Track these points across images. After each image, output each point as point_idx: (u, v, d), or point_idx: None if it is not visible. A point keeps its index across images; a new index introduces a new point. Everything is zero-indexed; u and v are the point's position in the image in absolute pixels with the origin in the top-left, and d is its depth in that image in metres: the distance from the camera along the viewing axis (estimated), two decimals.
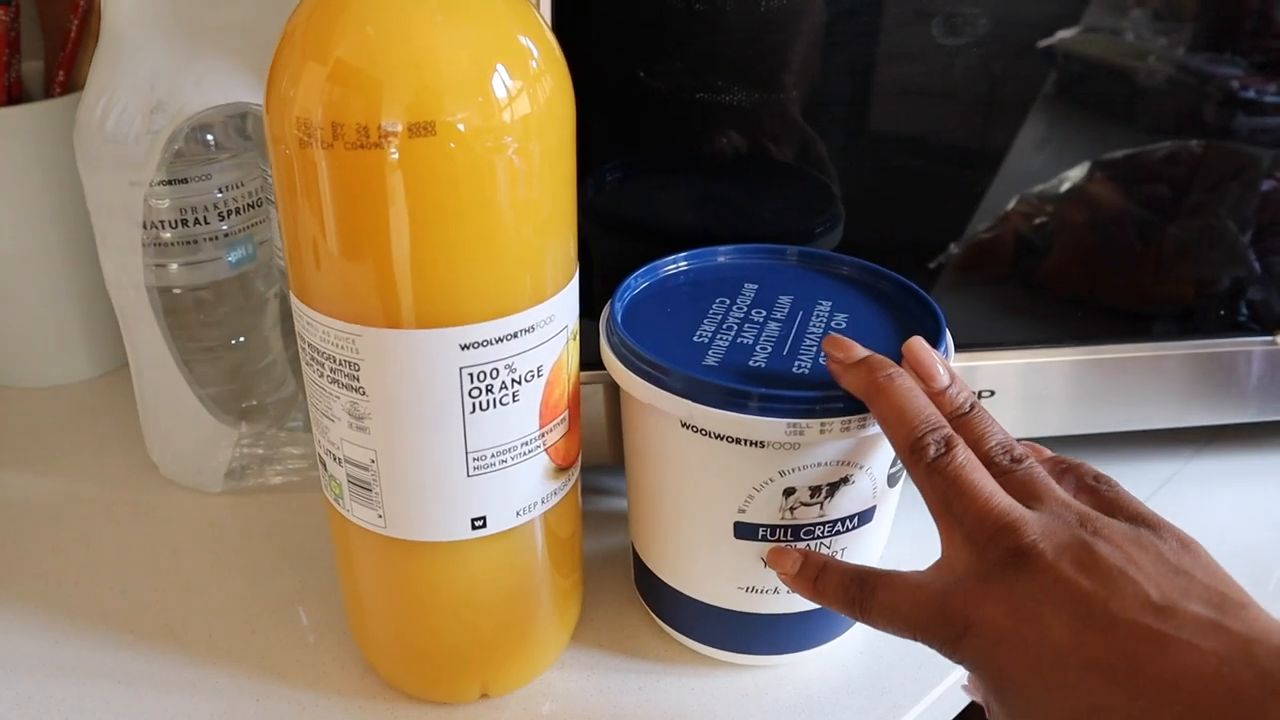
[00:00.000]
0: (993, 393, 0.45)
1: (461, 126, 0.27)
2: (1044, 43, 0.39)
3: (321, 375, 0.31)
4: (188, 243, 0.41)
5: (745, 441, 0.32)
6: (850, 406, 0.31)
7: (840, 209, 0.41)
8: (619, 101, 0.38)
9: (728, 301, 0.37)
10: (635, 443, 0.36)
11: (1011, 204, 0.43)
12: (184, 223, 0.40)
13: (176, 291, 0.42)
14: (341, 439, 0.32)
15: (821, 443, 0.32)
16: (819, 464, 0.32)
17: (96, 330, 0.54)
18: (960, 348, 0.44)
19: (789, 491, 0.33)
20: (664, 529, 0.36)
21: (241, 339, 0.44)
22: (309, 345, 0.31)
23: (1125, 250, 0.44)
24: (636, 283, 0.37)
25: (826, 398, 0.31)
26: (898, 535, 0.45)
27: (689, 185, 0.40)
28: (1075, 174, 0.43)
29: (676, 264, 0.38)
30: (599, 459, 0.43)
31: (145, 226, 0.40)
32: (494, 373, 0.30)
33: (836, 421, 0.31)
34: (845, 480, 0.33)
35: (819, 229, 0.42)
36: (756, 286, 0.38)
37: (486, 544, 0.33)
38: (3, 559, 0.43)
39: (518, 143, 0.29)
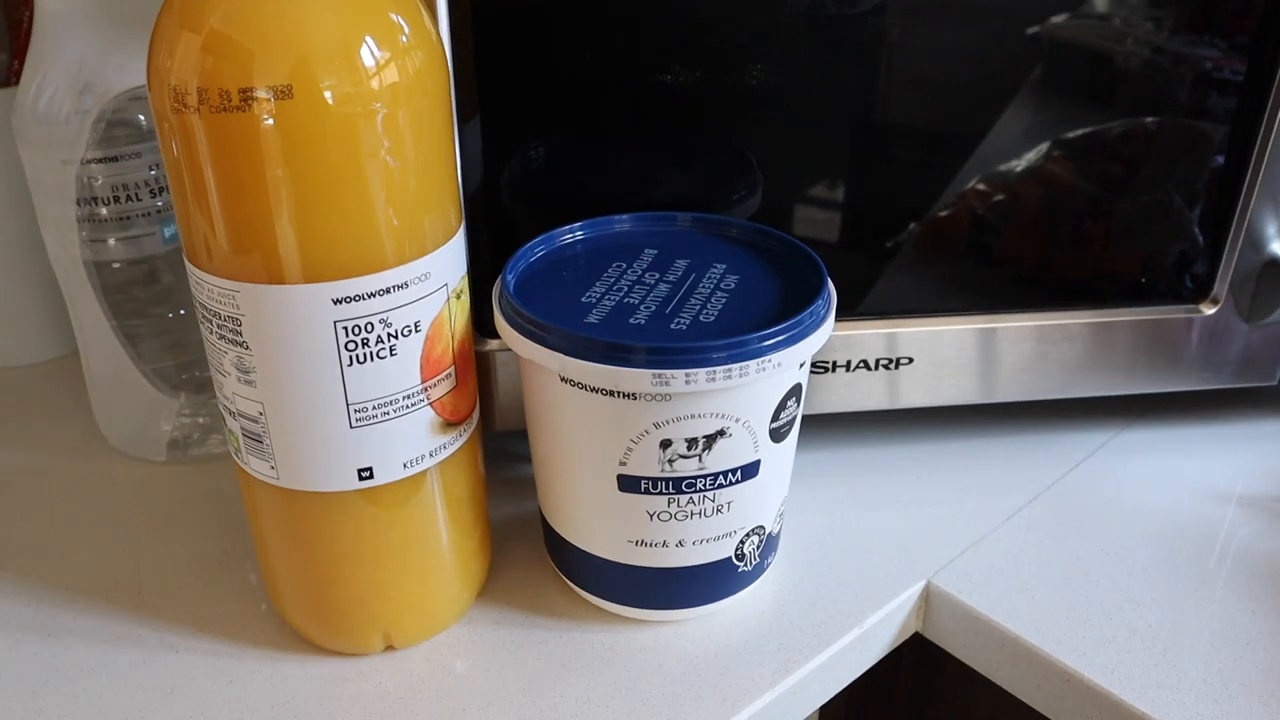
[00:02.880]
0: (911, 360, 0.45)
1: (329, 95, 0.29)
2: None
3: (211, 332, 0.33)
4: (123, 219, 0.43)
5: (618, 393, 0.33)
6: (716, 358, 0.32)
7: (758, 177, 0.42)
8: (538, 79, 0.39)
9: (624, 265, 0.38)
10: (530, 403, 0.37)
11: (970, 183, 0.43)
12: (118, 199, 0.42)
13: (116, 266, 0.44)
14: (233, 393, 0.34)
15: (690, 394, 0.33)
16: (691, 416, 0.33)
17: (60, 311, 0.56)
18: (905, 314, 0.45)
19: (665, 444, 0.34)
20: (557, 484, 0.37)
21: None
22: (200, 304, 0.33)
23: (1076, 226, 0.44)
24: (533, 250, 0.38)
25: (692, 349, 0.32)
26: (804, 501, 0.46)
27: (609, 158, 0.42)
28: (1033, 154, 0.44)
29: (573, 233, 0.40)
30: (519, 424, 0.44)
31: (81, 204, 0.42)
32: (369, 327, 0.32)
33: (701, 372, 0.32)
34: (722, 433, 0.34)
35: (736, 196, 0.43)
36: (656, 251, 0.39)
37: (376, 495, 0.35)
38: None
39: (386, 109, 0.30)
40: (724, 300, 0.36)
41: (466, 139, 0.40)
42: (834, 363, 0.45)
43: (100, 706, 0.36)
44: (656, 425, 0.34)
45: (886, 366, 0.45)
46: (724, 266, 0.38)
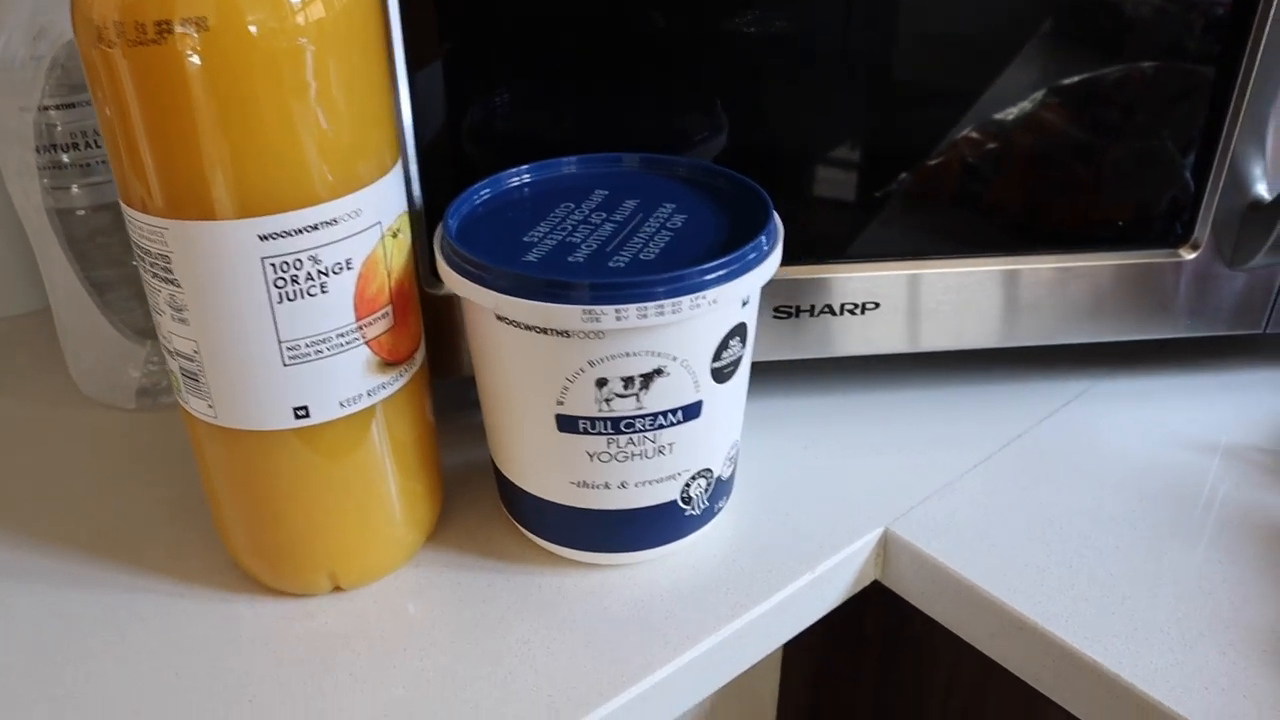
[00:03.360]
0: (878, 305, 0.44)
1: (251, 28, 0.29)
2: None
3: (146, 271, 0.33)
4: (84, 165, 0.43)
5: (551, 331, 0.33)
6: (648, 294, 0.32)
7: (721, 119, 0.41)
8: (499, 21, 0.39)
9: (573, 206, 0.38)
10: (473, 345, 0.37)
11: (962, 131, 0.42)
12: (77, 146, 0.43)
13: (80, 213, 0.44)
14: (170, 332, 0.34)
15: (623, 330, 0.32)
16: (626, 354, 0.33)
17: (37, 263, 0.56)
18: (886, 256, 0.44)
19: (601, 382, 0.34)
20: (501, 426, 0.37)
21: None
22: (134, 243, 0.33)
23: (1066, 173, 0.43)
24: (478, 193, 0.38)
25: (623, 284, 0.32)
26: (766, 447, 0.45)
27: (569, 102, 0.41)
28: (1028, 102, 0.43)
29: (520, 176, 0.39)
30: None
31: (41, 151, 0.42)
32: (297, 264, 0.32)
33: (632, 308, 0.32)
34: (659, 372, 0.34)
35: (699, 138, 0.42)
36: (607, 192, 0.39)
37: (314, 434, 0.35)
38: None
39: (312, 44, 0.30)
40: (668, 239, 0.35)
41: (426, 84, 0.39)
42: (797, 307, 0.44)
43: (54, 643, 0.37)
44: (591, 363, 0.33)
45: (853, 311, 0.44)
46: (673, 206, 0.38)
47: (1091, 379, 0.49)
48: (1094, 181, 0.44)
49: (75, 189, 0.44)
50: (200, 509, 0.43)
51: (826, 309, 0.44)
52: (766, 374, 0.49)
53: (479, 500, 0.43)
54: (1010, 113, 0.43)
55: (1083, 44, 0.42)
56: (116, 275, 0.46)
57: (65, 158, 0.43)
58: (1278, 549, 0.40)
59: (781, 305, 0.44)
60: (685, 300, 0.32)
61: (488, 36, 0.39)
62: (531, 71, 0.40)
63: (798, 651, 0.51)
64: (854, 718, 0.53)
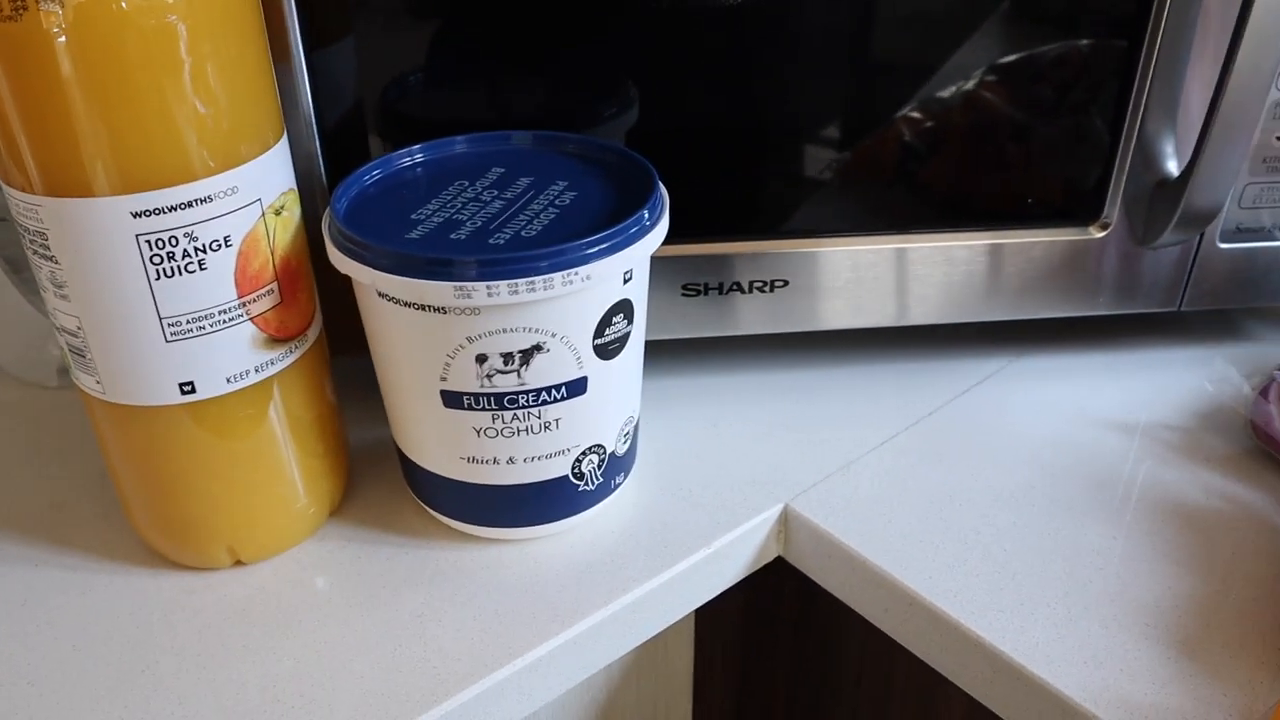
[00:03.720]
0: (786, 283, 0.44)
1: (119, 3, 0.29)
2: None
3: (27, 247, 0.33)
4: None
5: (428, 308, 0.33)
6: (519, 270, 0.32)
7: (632, 92, 0.41)
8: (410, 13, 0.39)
9: (466, 184, 0.38)
10: (365, 323, 0.37)
11: (902, 110, 0.42)
12: None
13: None
14: (54, 309, 0.34)
15: (497, 307, 0.33)
16: (503, 330, 0.33)
17: None
18: (794, 234, 0.44)
19: (481, 358, 0.34)
20: (393, 403, 0.38)
21: None
22: (15, 222, 0.33)
23: (993, 151, 0.43)
24: (368, 174, 0.38)
25: (495, 261, 0.32)
26: (671, 424, 0.45)
27: (477, 78, 0.41)
28: (968, 81, 0.43)
29: (412, 155, 0.39)
30: None
31: None
32: (173, 240, 0.32)
33: (503, 285, 0.32)
34: (538, 348, 0.34)
35: (608, 113, 0.42)
36: (503, 170, 0.39)
37: (204, 409, 0.35)
38: None
39: (182, 20, 0.30)
40: (553, 215, 0.35)
41: (330, 63, 0.39)
42: (705, 284, 0.44)
43: None
44: (470, 340, 0.34)
45: (761, 289, 0.44)
46: (565, 183, 0.38)
47: (1007, 358, 0.50)
48: (1013, 159, 0.44)
49: None
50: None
51: (735, 286, 0.44)
52: (674, 351, 0.50)
53: (386, 477, 0.43)
54: (948, 93, 0.43)
55: (1028, 21, 0.42)
56: None
57: None
58: (1173, 525, 0.40)
59: (689, 283, 0.44)
60: (558, 276, 0.32)
61: (394, 14, 0.39)
62: (440, 50, 0.40)
63: (713, 629, 0.52)
64: (772, 693, 0.53)
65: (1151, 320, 0.50)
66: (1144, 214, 0.44)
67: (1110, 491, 0.41)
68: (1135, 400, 0.47)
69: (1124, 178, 0.44)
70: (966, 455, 0.44)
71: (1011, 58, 0.43)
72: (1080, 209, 0.45)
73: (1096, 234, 0.45)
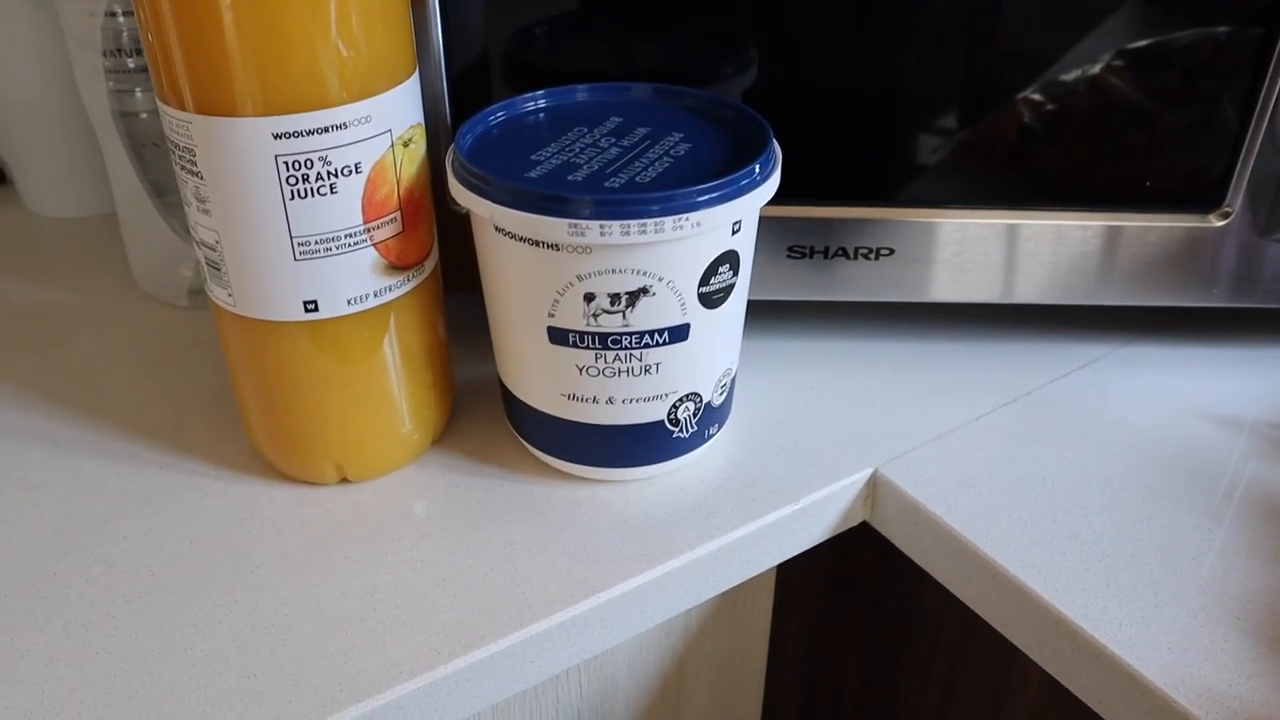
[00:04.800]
0: (892, 251, 0.45)
1: None
2: None
3: (176, 164, 0.35)
4: (147, 70, 0.46)
5: (542, 244, 0.34)
6: (633, 211, 0.33)
7: (751, 53, 0.42)
8: None
9: (585, 130, 0.39)
10: (479, 258, 0.39)
11: (1023, 92, 0.42)
12: (141, 51, 0.46)
13: (143, 116, 0.47)
14: (196, 223, 0.36)
15: (608, 246, 0.34)
16: (612, 270, 0.34)
17: None
18: (905, 203, 0.44)
19: (589, 297, 0.35)
20: (501, 336, 0.39)
21: None
22: (167, 137, 0.35)
23: (1116, 136, 0.43)
24: (493, 114, 0.39)
25: (609, 201, 0.33)
26: (771, 385, 0.46)
27: (603, 34, 0.42)
28: (1093, 65, 0.42)
29: (536, 100, 0.40)
30: None
31: (107, 54, 0.45)
32: (308, 163, 0.34)
33: (615, 225, 0.33)
34: (644, 291, 0.35)
35: (727, 72, 0.43)
36: (621, 119, 0.40)
37: (323, 329, 0.37)
38: (1, 346, 0.50)
39: None
40: (668, 164, 0.36)
41: (462, 8, 0.41)
42: (811, 248, 0.44)
43: (87, 506, 0.40)
44: (580, 278, 0.35)
45: (867, 256, 0.45)
46: (680, 135, 0.38)
47: (1112, 344, 0.49)
48: (1135, 145, 0.43)
49: (139, 93, 0.47)
50: (235, 400, 0.46)
51: (841, 252, 0.45)
52: (778, 313, 0.50)
53: (488, 414, 0.45)
54: (1073, 74, 0.42)
55: (1161, 8, 0.41)
56: (173, 179, 0.49)
57: (130, 62, 0.46)
58: (1275, 523, 0.39)
59: (796, 245, 0.44)
60: (669, 220, 0.33)
61: None
62: (566, 3, 0.41)
63: (793, 589, 0.52)
64: (846, 657, 0.54)
65: (1267, 315, 0.48)
66: (1268, 204, 0.43)
67: (1211, 484, 0.41)
68: (1245, 396, 0.46)
69: (1249, 167, 0.42)
70: (1063, 437, 0.43)
71: (1141, 43, 0.42)
72: (1201, 197, 0.44)
73: (1216, 223, 0.44)
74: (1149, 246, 0.44)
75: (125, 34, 0.45)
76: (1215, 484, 0.41)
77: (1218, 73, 0.42)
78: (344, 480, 0.41)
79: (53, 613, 0.36)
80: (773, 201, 0.37)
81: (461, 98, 0.42)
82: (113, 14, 0.44)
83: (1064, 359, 0.48)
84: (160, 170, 0.49)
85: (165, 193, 0.49)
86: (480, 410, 0.45)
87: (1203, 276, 0.45)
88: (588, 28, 0.42)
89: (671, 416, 0.39)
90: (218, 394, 0.46)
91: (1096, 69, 0.42)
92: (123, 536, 0.39)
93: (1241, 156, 0.42)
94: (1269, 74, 0.41)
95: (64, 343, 0.50)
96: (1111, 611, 0.35)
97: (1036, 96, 0.42)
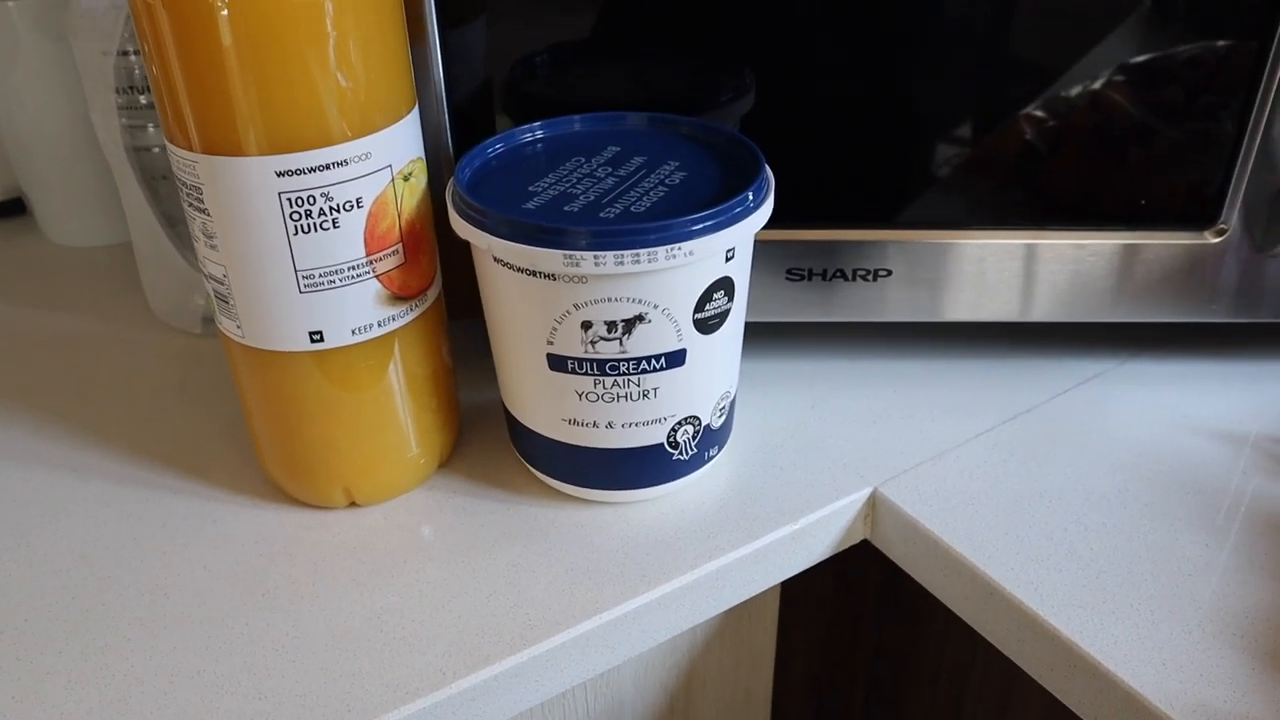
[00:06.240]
0: (889, 272, 0.45)
1: None
2: None
3: (184, 200, 0.37)
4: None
5: (539, 274, 0.35)
6: (626, 242, 0.34)
7: (749, 78, 0.43)
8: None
9: (583, 160, 0.40)
10: (480, 287, 0.39)
11: (1025, 109, 0.43)
12: None
13: (155, 150, 0.49)
14: (205, 257, 0.37)
15: (603, 276, 0.34)
16: (608, 299, 0.35)
17: None
18: (900, 225, 0.45)
19: (587, 325, 0.36)
20: (503, 363, 0.40)
21: None
22: (175, 177, 0.37)
23: (1120, 153, 0.43)
24: (491, 146, 0.40)
25: (603, 232, 0.34)
26: (771, 405, 0.47)
27: (602, 62, 0.43)
28: (1094, 81, 0.43)
29: (533, 131, 0.41)
30: None
31: (120, 92, 0.46)
32: (311, 199, 0.35)
33: (609, 255, 0.34)
34: (641, 318, 0.36)
35: (726, 97, 0.43)
36: (618, 149, 0.41)
37: (329, 358, 0.38)
38: (18, 373, 0.52)
39: (330, 2, 0.33)
40: (663, 193, 0.37)
41: (461, 41, 0.42)
42: (810, 270, 0.45)
43: (105, 531, 0.41)
44: (577, 306, 0.35)
45: (864, 278, 0.45)
46: (676, 163, 0.39)
47: (1112, 361, 0.49)
48: (1134, 162, 0.43)
49: (151, 128, 0.48)
50: (245, 426, 0.47)
51: (839, 273, 0.45)
52: (777, 334, 0.51)
53: (493, 437, 0.46)
54: (1071, 94, 0.43)
55: (1162, 21, 0.42)
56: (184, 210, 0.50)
57: (142, 99, 0.47)
58: (1275, 540, 0.39)
59: (794, 267, 0.45)
60: (662, 250, 0.34)
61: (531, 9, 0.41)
62: (564, 34, 0.42)
63: (797, 606, 0.53)
64: (853, 674, 0.54)
65: (1267, 330, 0.49)
66: (1263, 220, 0.43)
67: (1210, 501, 0.41)
68: (1245, 411, 0.46)
69: (1244, 183, 0.43)
70: (1062, 454, 0.43)
71: (1143, 58, 0.42)
72: (1197, 213, 0.44)
73: (1213, 239, 0.44)
74: (1147, 264, 0.45)
75: (138, 72, 0.46)
76: (1216, 500, 0.41)
77: (1215, 88, 0.42)
78: (352, 504, 0.42)
79: (71, 636, 0.37)
80: (771, 224, 0.37)
81: (463, 128, 0.43)
82: (125, 53, 0.46)
83: (1063, 375, 0.48)
84: (172, 202, 0.50)
85: (178, 223, 0.50)
86: (485, 433, 0.46)
87: (1202, 292, 0.45)
88: (587, 57, 0.43)
89: (671, 440, 0.39)
90: (231, 420, 0.47)
91: (1097, 87, 0.42)
92: (139, 561, 0.40)
93: (1236, 173, 0.43)
94: (1261, 90, 0.41)
95: (82, 369, 0.52)
96: (1108, 628, 0.36)
97: (1035, 114, 0.43)
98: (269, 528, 0.41)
